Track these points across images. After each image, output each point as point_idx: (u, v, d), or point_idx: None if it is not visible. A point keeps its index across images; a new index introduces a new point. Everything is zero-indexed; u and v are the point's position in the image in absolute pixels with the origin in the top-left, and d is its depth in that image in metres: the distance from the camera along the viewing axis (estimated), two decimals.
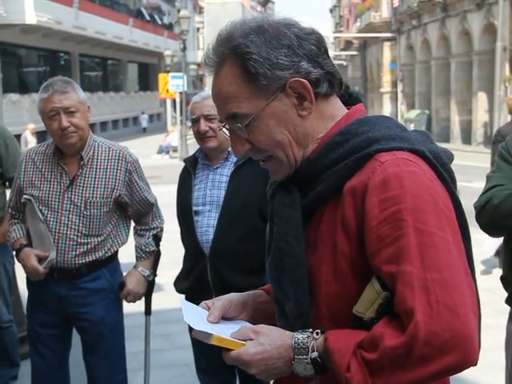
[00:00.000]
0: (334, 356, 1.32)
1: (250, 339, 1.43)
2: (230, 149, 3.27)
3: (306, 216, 1.48)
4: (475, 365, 1.30)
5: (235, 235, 3.12)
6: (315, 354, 1.37)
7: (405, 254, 1.29)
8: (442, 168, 1.44)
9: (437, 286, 1.26)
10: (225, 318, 1.60)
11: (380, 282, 1.34)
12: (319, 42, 1.49)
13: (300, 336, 1.39)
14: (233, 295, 1.67)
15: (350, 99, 1.59)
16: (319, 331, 1.39)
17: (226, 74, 1.48)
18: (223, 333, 1.47)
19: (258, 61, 1.43)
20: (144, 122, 41.77)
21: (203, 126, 3.18)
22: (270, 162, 1.53)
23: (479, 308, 1.45)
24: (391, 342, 1.26)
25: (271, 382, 1.60)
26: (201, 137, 3.21)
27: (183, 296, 3.14)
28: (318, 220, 1.47)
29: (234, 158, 3.25)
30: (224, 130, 1.56)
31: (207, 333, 1.43)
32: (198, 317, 1.56)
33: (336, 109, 1.53)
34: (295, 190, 1.51)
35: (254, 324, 1.52)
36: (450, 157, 1.55)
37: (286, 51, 1.44)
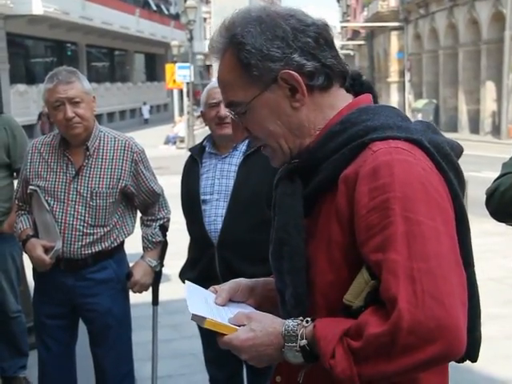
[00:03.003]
0: (320, 343, 1.33)
1: (244, 324, 1.44)
2: None
3: (308, 206, 1.48)
4: (473, 360, 1.28)
5: (244, 225, 3.11)
6: (304, 341, 1.37)
7: (391, 242, 1.29)
8: (443, 158, 1.43)
9: (423, 275, 1.25)
10: (232, 301, 1.61)
11: (369, 271, 1.33)
12: (318, 34, 1.49)
13: (290, 323, 1.40)
14: (242, 280, 1.68)
15: (362, 88, 1.59)
16: (309, 319, 1.39)
17: (226, 62, 1.52)
18: (222, 316, 1.48)
19: (250, 52, 1.46)
20: (146, 112, 41.19)
21: (223, 111, 3.14)
22: (266, 148, 1.56)
23: (477, 300, 1.46)
24: (375, 329, 1.26)
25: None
26: (219, 122, 3.18)
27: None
28: (318, 210, 1.47)
29: (242, 148, 3.23)
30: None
31: (202, 316, 1.44)
32: (202, 299, 1.57)
33: (337, 100, 1.53)
34: (298, 180, 1.51)
35: (263, 311, 1.53)
36: (457, 148, 1.54)
37: (279, 43, 1.45)
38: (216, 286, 1.66)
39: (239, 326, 1.44)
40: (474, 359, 1.48)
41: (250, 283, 1.68)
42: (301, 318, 1.41)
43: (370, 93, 1.58)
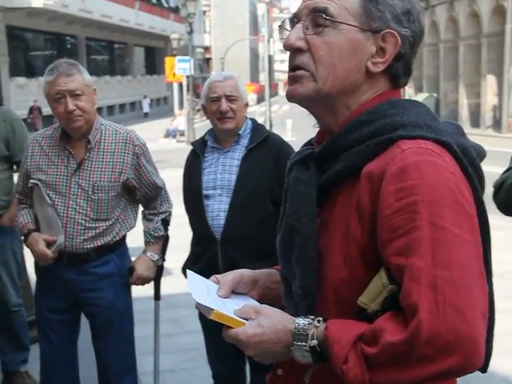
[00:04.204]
0: (332, 346, 1.29)
1: (252, 318, 1.39)
2: (240, 132, 3.23)
3: (322, 195, 1.44)
4: (483, 371, 1.24)
5: (247, 219, 3.09)
6: (314, 342, 1.33)
7: (416, 247, 1.24)
8: (468, 163, 1.38)
9: (445, 284, 1.21)
10: (234, 292, 1.57)
11: (388, 275, 1.29)
12: (419, 40, 1.49)
13: (301, 322, 1.36)
14: (245, 271, 1.64)
15: None
16: (321, 319, 1.35)
17: None
18: (227, 308, 1.44)
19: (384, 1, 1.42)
20: (146, 106, 40.74)
21: (224, 105, 3.14)
22: (301, 71, 1.45)
23: (493, 313, 1.40)
24: (392, 337, 1.22)
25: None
26: (220, 116, 3.16)
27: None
28: (333, 200, 1.43)
29: (244, 142, 3.21)
30: (287, 26, 1.51)
31: (208, 307, 1.40)
32: (205, 289, 1.53)
33: (377, 87, 1.48)
34: (313, 167, 1.46)
35: (263, 303, 1.49)
36: (482, 153, 1.50)
37: (406, 15, 1.43)
38: (218, 276, 1.61)
39: (246, 319, 1.40)
40: (484, 370, 1.43)
41: (253, 275, 1.64)
42: (312, 316, 1.37)
43: None
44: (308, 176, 1.46)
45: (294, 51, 1.46)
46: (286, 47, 1.47)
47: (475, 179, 1.38)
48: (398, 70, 1.47)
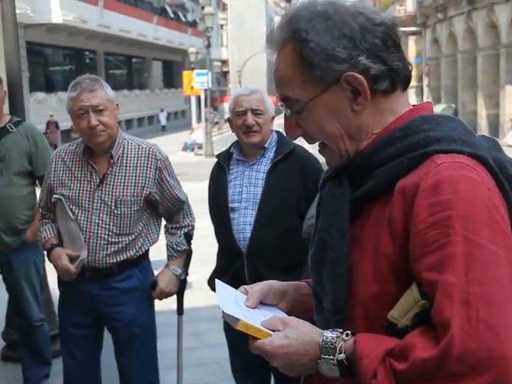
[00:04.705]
0: (361, 361, 1.27)
1: (279, 330, 1.38)
2: (266, 145, 3.23)
3: (354, 210, 1.42)
4: None
5: (273, 232, 3.08)
6: (342, 355, 1.31)
7: (449, 262, 1.22)
8: (505, 179, 1.35)
9: (479, 301, 1.18)
10: (263, 303, 1.56)
11: (420, 290, 1.27)
12: (387, 34, 1.41)
13: (329, 335, 1.34)
14: (274, 282, 1.63)
15: None
16: (349, 333, 1.33)
17: (284, 56, 1.44)
18: (254, 319, 1.43)
19: (314, 50, 1.38)
20: (163, 119, 40.83)
21: (250, 119, 3.14)
22: (325, 149, 1.49)
23: None
24: (423, 353, 1.19)
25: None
26: (246, 130, 3.17)
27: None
28: (366, 216, 1.41)
29: (270, 155, 3.20)
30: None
31: (235, 317, 1.39)
32: (233, 300, 1.52)
33: (398, 105, 1.45)
34: (346, 182, 1.45)
35: (291, 315, 1.48)
36: None
37: (345, 43, 1.37)
38: (247, 287, 1.60)
39: (273, 331, 1.39)
40: None
41: (282, 286, 1.63)
42: (340, 330, 1.35)
43: None
44: (341, 191, 1.44)
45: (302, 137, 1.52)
46: (289, 139, 1.59)
47: (511, 194, 1.35)
48: (387, 83, 1.42)
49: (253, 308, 1.52)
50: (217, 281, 1.62)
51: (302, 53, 1.39)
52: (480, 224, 1.24)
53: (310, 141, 1.51)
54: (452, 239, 1.23)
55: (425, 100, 35.48)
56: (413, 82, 41.51)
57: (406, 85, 1.48)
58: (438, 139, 1.34)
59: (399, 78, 1.44)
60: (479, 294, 1.19)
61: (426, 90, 35.92)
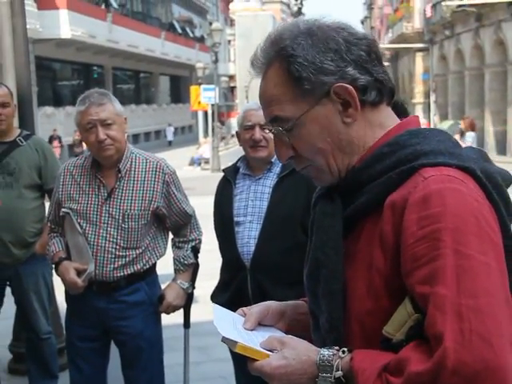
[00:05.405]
0: (358, 377, 1.27)
1: (277, 350, 1.39)
2: (273, 159, 3.24)
3: (347, 227, 1.43)
4: None
5: (277, 247, 3.08)
6: (339, 373, 1.32)
7: (440, 275, 1.22)
8: (494, 189, 1.36)
9: (471, 312, 1.19)
10: (261, 324, 1.57)
11: (413, 303, 1.28)
12: (370, 47, 1.44)
13: (326, 353, 1.35)
14: (271, 303, 1.63)
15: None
16: (346, 350, 1.34)
17: (272, 75, 1.45)
18: (253, 341, 1.44)
19: (302, 64, 1.39)
20: (170, 134, 40.56)
21: (258, 134, 3.16)
22: (310, 167, 1.49)
23: None
24: (417, 367, 1.20)
25: None
26: (253, 145, 3.18)
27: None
28: (359, 233, 1.42)
29: (277, 169, 3.22)
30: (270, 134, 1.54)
31: (233, 340, 1.40)
32: (231, 322, 1.53)
33: (386, 118, 1.47)
34: (338, 200, 1.45)
35: (292, 335, 1.48)
36: (509, 178, 1.46)
37: (332, 56, 1.39)
38: (244, 309, 1.61)
39: (271, 351, 1.40)
40: None
41: (279, 306, 1.63)
42: (337, 347, 1.36)
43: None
44: (333, 209, 1.45)
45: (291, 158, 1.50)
46: (281, 162, 1.57)
47: (501, 206, 1.36)
48: (375, 94, 1.44)
49: (251, 330, 1.53)
50: (213, 305, 1.63)
51: (289, 68, 1.41)
52: (469, 236, 1.24)
53: (299, 163, 1.50)
54: (442, 252, 1.24)
55: (432, 116, 35.51)
56: (420, 99, 41.67)
57: (390, 98, 1.49)
58: (425, 153, 1.35)
59: (385, 90, 1.46)
60: (471, 306, 1.20)
61: (433, 106, 35.90)
